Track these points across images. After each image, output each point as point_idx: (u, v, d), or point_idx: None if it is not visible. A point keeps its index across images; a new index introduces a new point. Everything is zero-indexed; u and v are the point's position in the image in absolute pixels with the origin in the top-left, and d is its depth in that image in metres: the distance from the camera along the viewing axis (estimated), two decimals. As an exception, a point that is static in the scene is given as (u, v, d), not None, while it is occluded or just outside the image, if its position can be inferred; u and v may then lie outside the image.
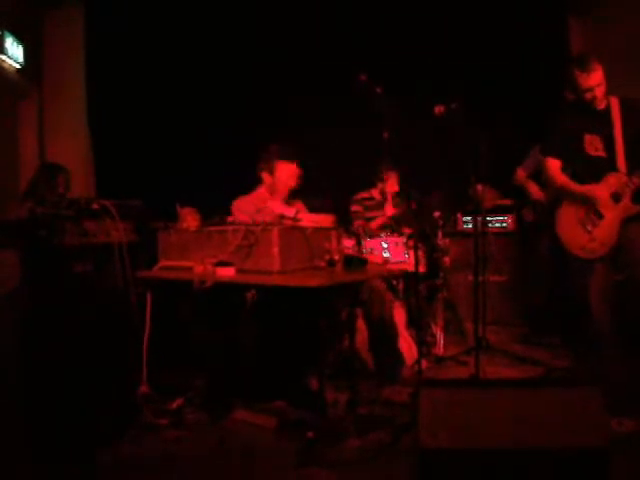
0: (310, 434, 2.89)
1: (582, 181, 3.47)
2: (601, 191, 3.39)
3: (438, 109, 4.14)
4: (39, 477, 2.68)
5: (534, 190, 5.27)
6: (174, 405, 3.35)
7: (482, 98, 5.43)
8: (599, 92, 3.36)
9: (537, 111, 5.28)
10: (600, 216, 3.40)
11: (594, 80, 3.33)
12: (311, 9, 6.03)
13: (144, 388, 3.29)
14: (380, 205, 5.04)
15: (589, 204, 3.43)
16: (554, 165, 3.59)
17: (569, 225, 3.51)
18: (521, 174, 5.38)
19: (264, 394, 3.47)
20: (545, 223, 5.13)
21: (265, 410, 3.36)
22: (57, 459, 2.74)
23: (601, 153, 3.43)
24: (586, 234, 3.43)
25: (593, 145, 3.44)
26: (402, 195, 5.14)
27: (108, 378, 3.13)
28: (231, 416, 3.37)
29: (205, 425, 3.29)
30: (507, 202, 5.78)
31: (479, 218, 4.69)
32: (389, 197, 4.97)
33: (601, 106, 3.43)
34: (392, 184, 5.18)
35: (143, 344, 3.27)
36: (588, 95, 3.37)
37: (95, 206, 3.26)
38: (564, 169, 3.58)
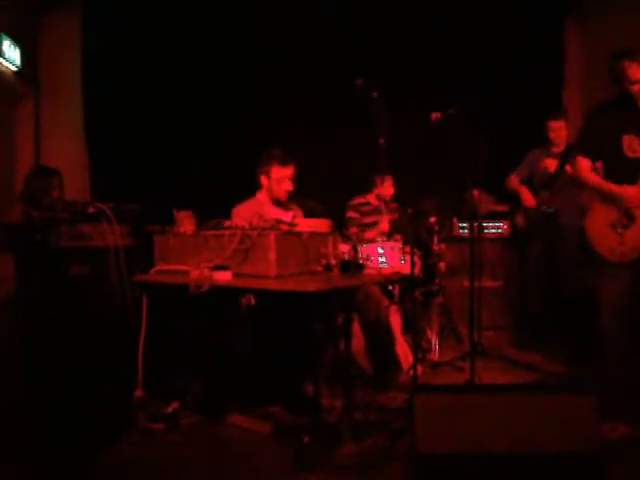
0: (306, 439, 2.89)
1: (618, 183, 3.33)
2: (635, 192, 3.27)
3: (435, 115, 4.15)
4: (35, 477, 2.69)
5: (526, 196, 5.29)
6: (170, 409, 3.34)
7: (478, 104, 5.45)
8: None
9: (533, 117, 5.32)
10: (632, 219, 3.27)
11: None
12: (308, 15, 6.04)
13: (140, 392, 3.28)
14: (377, 210, 5.06)
15: (621, 206, 3.30)
16: (585, 165, 3.46)
17: (599, 226, 3.37)
18: (514, 180, 5.40)
19: (260, 399, 3.48)
20: (538, 229, 5.17)
21: (260, 415, 3.36)
22: (52, 460, 2.74)
23: (639, 155, 3.30)
24: (617, 236, 3.30)
25: (631, 146, 3.30)
26: (398, 201, 5.17)
27: (104, 382, 3.13)
28: (226, 420, 3.37)
29: (200, 430, 3.29)
30: (503, 208, 5.79)
31: (475, 224, 4.70)
32: (383, 208, 4.99)
33: None
34: (387, 187, 5.20)
35: (139, 348, 3.27)
36: (637, 87, 3.22)
37: (91, 209, 3.25)
38: (594, 169, 3.45)
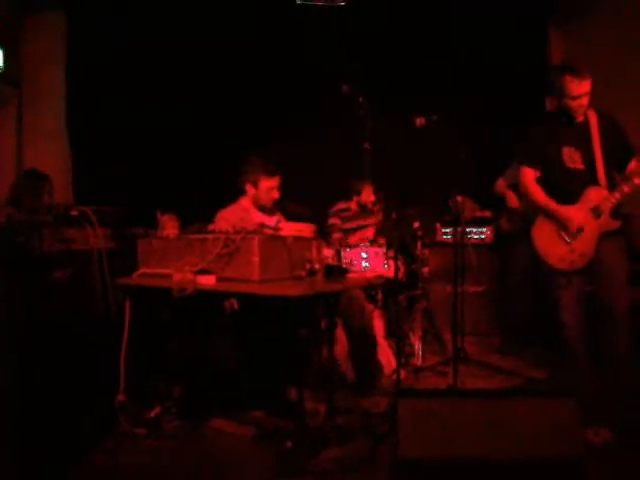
0: (289, 444, 2.89)
1: (560, 194, 3.41)
2: (577, 212, 3.33)
3: (419, 120, 4.16)
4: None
5: (512, 199, 5.33)
6: (152, 414, 3.33)
7: (463, 110, 5.49)
8: (586, 101, 3.30)
9: (518, 123, 5.36)
10: (580, 230, 3.33)
11: (585, 88, 3.25)
12: (294, 20, 6.05)
13: (122, 397, 3.26)
14: (358, 216, 5.06)
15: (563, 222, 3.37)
16: (529, 175, 3.50)
17: (547, 236, 3.43)
18: (501, 184, 5.44)
19: (243, 403, 3.47)
20: (523, 232, 5.20)
21: (244, 420, 3.35)
22: (33, 464, 2.72)
23: (579, 166, 3.36)
24: (565, 245, 3.36)
25: (572, 158, 3.37)
26: (380, 206, 5.17)
27: (85, 386, 3.10)
28: (209, 425, 3.36)
29: (183, 434, 3.27)
30: (486, 214, 5.82)
31: (458, 229, 4.72)
32: (369, 214, 5.01)
33: (580, 118, 3.38)
34: (367, 194, 5.21)
35: (121, 352, 3.24)
36: (575, 103, 3.29)
37: (74, 212, 3.23)
38: (539, 180, 3.50)
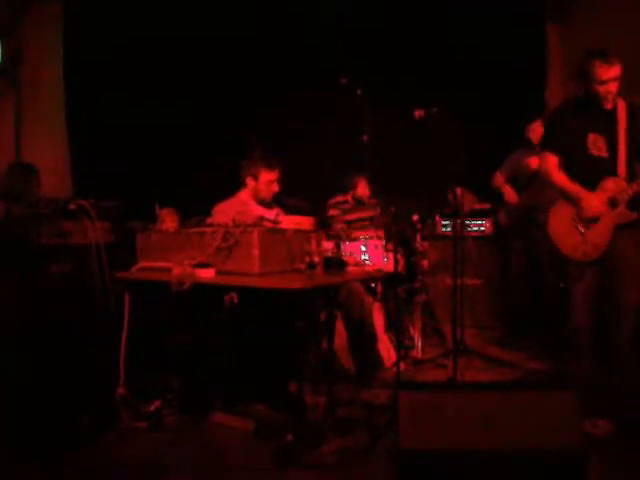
0: (289, 437, 2.89)
1: (580, 180, 3.35)
2: (598, 199, 3.28)
3: (418, 113, 4.15)
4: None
5: (510, 194, 5.34)
6: (152, 408, 3.33)
7: (462, 103, 5.47)
8: (614, 87, 3.22)
9: (516, 116, 5.35)
10: (595, 220, 3.30)
11: (614, 73, 3.19)
12: (290, 14, 6.04)
13: (122, 390, 3.26)
14: (357, 208, 5.06)
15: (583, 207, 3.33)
16: (552, 161, 3.43)
17: (563, 225, 3.38)
18: (499, 178, 5.44)
19: (243, 397, 3.47)
20: (520, 227, 5.21)
21: (244, 413, 3.35)
22: (34, 459, 2.72)
23: (603, 154, 3.31)
24: (579, 236, 3.33)
25: (596, 145, 3.31)
26: (379, 199, 5.16)
27: (85, 380, 3.10)
28: (209, 419, 3.36)
29: (183, 428, 3.27)
30: (485, 206, 5.82)
31: (458, 222, 4.71)
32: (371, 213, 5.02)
33: (609, 106, 3.30)
34: (362, 188, 5.21)
35: (121, 345, 3.24)
36: (603, 88, 3.22)
37: (72, 206, 3.22)
38: (562, 166, 3.43)
